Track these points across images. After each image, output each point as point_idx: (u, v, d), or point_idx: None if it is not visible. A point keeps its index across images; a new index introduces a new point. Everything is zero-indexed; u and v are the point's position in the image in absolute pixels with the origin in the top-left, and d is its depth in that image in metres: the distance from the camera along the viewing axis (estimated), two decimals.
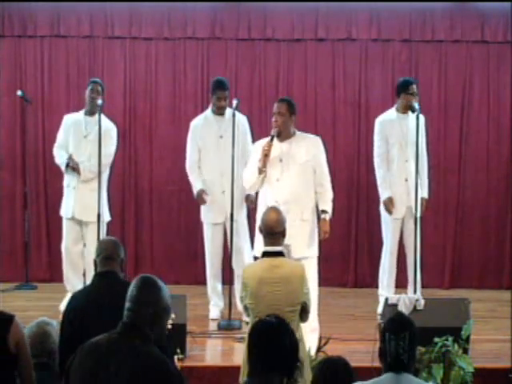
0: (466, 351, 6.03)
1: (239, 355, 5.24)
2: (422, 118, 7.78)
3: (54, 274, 9.16)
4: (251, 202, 7.57)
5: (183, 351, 6.04)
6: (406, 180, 7.73)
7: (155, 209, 9.21)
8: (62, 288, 7.91)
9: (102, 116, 7.71)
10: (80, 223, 7.78)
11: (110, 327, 3.58)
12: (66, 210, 7.81)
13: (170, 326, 5.83)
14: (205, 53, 9.20)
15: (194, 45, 9.19)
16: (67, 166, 7.72)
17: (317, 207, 6.70)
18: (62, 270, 7.87)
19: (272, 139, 6.54)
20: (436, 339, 6.00)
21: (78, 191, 7.73)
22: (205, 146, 7.61)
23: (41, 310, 7.63)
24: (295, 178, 6.52)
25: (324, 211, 6.58)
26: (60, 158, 7.82)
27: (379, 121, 7.91)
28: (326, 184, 6.64)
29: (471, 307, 6.31)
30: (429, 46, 9.20)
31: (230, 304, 7.21)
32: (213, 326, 7.31)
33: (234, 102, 7.47)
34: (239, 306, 6.62)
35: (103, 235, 7.57)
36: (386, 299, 6.35)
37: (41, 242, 9.19)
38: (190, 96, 9.20)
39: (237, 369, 5.02)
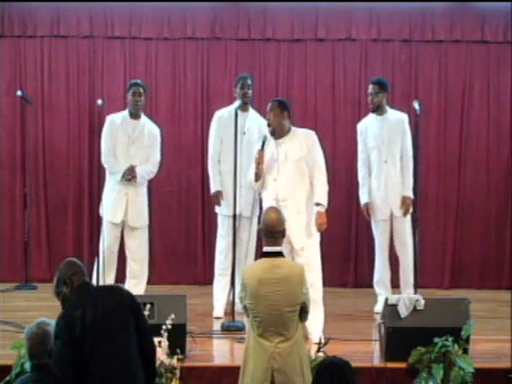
0: (465, 351, 6.03)
1: (239, 355, 5.24)
2: (405, 116, 7.84)
3: (53, 274, 9.05)
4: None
5: (183, 351, 6.03)
6: (386, 181, 7.77)
7: (155, 209, 9.20)
8: None
9: (148, 120, 7.92)
10: (122, 227, 7.77)
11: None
12: (114, 214, 7.68)
13: (169, 326, 5.90)
14: (205, 53, 9.20)
15: (194, 45, 9.20)
16: (123, 176, 7.65)
17: None
18: (98, 270, 7.63)
19: (263, 147, 6.78)
20: (436, 339, 6.00)
21: (131, 197, 7.71)
22: (227, 140, 7.64)
23: (41, 310, 7.63)
24: (290, 175, 6.75)
25: (318, 204, 6.75)
26: (115, 165, 7.70)
27: (358, 126, 8.05)
28: (319, 177, 6.79)
29: (471, 307, 6.31)
30: (429, 46, 9.20)
31: (233, 304, 7.21)
32: (214, 326, 7.30)
33: (237, 102, 7.50)
34: (239, 306, 6.63)
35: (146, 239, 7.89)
36: (386, 299, 6.35)
37: (41, 242, 9.19)
38: (190, 96, 9.21)
39: (237, 369, 5.02)
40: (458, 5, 9.17)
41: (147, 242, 7.97)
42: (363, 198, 7.93)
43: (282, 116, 6.81)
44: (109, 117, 7.90)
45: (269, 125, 6.84)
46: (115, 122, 7.80)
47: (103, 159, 7.77)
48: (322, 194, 6.75)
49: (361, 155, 7.96)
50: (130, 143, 7.76)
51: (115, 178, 7.73)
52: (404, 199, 7.78)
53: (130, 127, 7.79)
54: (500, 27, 9.11)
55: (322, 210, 6.72)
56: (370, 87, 7.86)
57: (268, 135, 6.87)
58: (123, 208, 7.72)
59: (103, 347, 4.27)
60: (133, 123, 7.82)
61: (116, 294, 4.51)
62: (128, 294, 4.55)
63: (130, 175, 7.65)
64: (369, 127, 7.90)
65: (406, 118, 7.89)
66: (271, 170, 6.79)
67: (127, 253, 7.86)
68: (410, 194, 7.79)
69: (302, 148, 6.78)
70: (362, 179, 7.95)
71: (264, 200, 6.88)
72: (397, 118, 7.86)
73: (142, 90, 7.81)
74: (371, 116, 7.94)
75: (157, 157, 7.91)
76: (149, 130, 7.87)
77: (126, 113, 7.87)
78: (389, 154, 7.79)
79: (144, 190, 7.90)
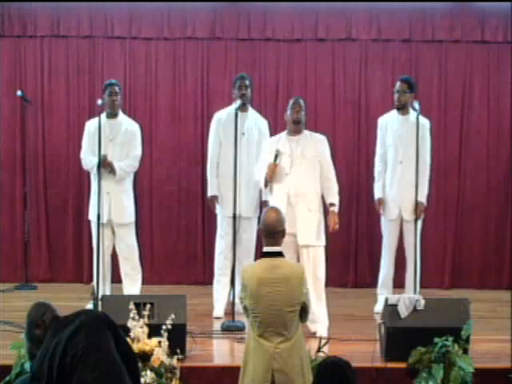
0: (465, 351, 6.03)
1: (239, 355, 5.24)
2: (426, 122, 7.78)
3: (54, 274, 9.18)
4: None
5: (183, 351, 6.03)
6: (399, 182, 7.75)
7: (155, 209, 9.21)
8: (62, 288, 7.91)
9: (126, 117, 7.94)
10: (111, 226, 7.78)
11: None
12: (101, 215, 7.55)
13: (169, 326, 5.89)
14: (205, 53, 9.20)
15: (194, 45, 9.20)
16: (99, 166, 7.50)
17: (323, 200, 7.14)
18: (92, 273, 7.57)
19: (276, 159, 6.99)
20: (436, 339, 6.00)
21: (113, 195, 7.72)
22: (226, 141, 7.66)
23: None
24: (303, 171, 7.01)
25: (332, 204, 7.06)
26: (89, 162, 7.71)
27: (379, 120, 8.02)
28: (332, 178, 7.12)
29: (471, 307, 6.31)
30: (429, 46, 9.20)
31: (233, 304, 7.21)
32: (214, 326, 7.31)
33: (237, 103, 7.51)
34: (239, 306, 6.64)
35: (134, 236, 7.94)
36: (386, 299, 6.35)
37: (41, 242, 9.19)
38: (189, 96, 9.21)
39: (237, 369, 5.02)
40: (458, 5, 9.17)
41: (135, 239, 7.94)
42: (377, 193, 7.92)
43: (305, 116, 7.18)
44: (87, 122, 7.93)
45: (297, 112, 7.06)
46: (92, 125, 7.73)
47: (82, 162, 7.83)
48: (335, 195, 7.09)
49: (379, 150, 7.94)
50: (108, 142, 7.71)
51: (95, 176, 7.65)
52: (418, 205, 7.67)
53: (107, 127, 7.73)
54: (500, 27, 9.10)
55: (336, 209, 7.04)
56: (398, 85, 7.81)
57: (280, 150, 7.04)
58: (107, 207, 7.69)
59: (86, 358, 4.25)
60: (110, 123, 7.79)
61: (86, 312, 4.51)
62: (97, 311, 4.64)
63: (103, 163, 7.57)
64: (389, 124, 7.87)
65: (427, 123, 7.80)
66: (284, 165, 7.01)
67: (118, 252, 7.84)
68: (424, 201, 7.73)
69: (317, 149, 7.07)
70: (378, 174, 7.92)
71: (275, 196, 7.03)
72: (418, 122, 7.77)
73: (117, 89, 7.81)
74: (394, 113, 7.89)
75: (137, 152, 7.88)
76: (126, 127, 7.86)
77: (103, 115, 7.71)
78: (405, 155, 7.73)
79: (127, 186, 7.85)
